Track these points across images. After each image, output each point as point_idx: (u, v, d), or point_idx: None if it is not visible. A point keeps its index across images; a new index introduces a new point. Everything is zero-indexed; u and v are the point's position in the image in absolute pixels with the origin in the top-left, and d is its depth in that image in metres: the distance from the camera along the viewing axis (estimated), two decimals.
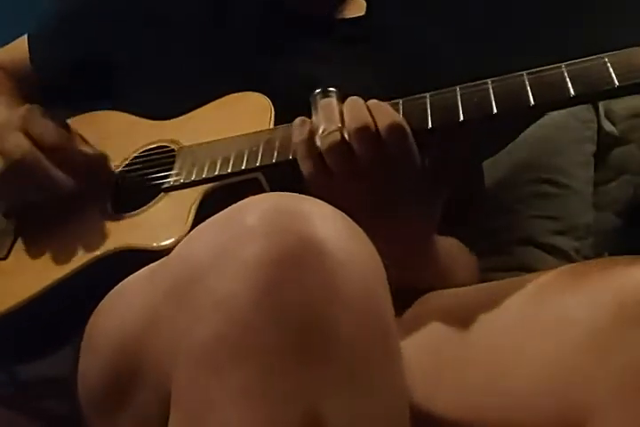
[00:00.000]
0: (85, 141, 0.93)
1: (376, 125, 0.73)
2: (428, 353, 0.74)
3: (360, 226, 0.71)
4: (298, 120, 0.78)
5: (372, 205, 0.76)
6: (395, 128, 0.73)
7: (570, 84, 0.72)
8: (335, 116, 0.74)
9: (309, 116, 0.84)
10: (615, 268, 0.67)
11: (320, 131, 0.74)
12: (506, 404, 0.68)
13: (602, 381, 0.62)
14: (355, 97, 0.77)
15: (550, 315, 0.68)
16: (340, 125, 0.74)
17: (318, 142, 0.74)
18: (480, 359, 0.71)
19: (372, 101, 0.76)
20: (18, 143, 0.87)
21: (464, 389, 0.71)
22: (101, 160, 0.93)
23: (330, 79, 0.99)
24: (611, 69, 0.71)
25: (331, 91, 0.78)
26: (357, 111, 0.75)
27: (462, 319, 0.76)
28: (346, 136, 0.74)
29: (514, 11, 1.50)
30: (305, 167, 0.75)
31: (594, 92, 0.73)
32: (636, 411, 0.61)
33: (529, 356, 0.67)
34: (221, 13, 1.03)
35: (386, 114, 0.75)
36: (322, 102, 0.77)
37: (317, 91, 0.78)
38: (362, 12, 1.08)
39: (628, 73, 0.71)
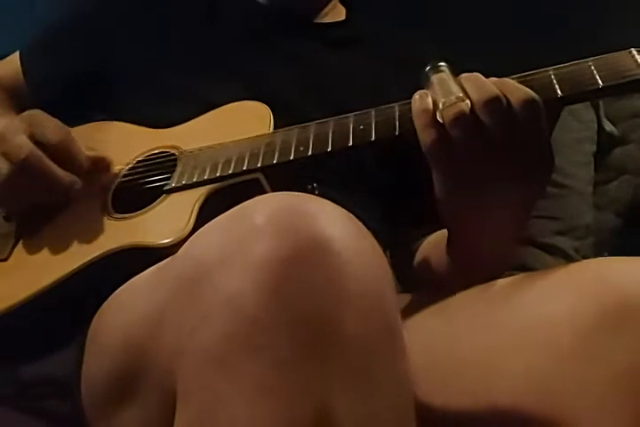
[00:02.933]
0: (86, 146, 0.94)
1: (506, 98, 0.71)
2: (420, 353, 0.74)
3: (475, 197, 0.74)
4: (417, 94, 0.75)
5: (491, 177, 0.73)
6: (528, 100, 0.71)
7: (557, 86, 0.75)
8: (455, 88, 0.72)
9: (304, 118, 0.85)
10: (597, 271, 0.68)
11: (441, 103, 0.71)
12: (491, 408, 0.68)
13: (584, 387, 0.63)
14: (472, 73, 0.75)
15: (534, 320, 0.68)
16: (461, 95, 0.71)
17: (439, 114, 0.71)
18: (470, 361, 0.72)
19: (493, 78, 0.74)
20: (21, 145, 0.88)
21: (457, 390, 0.72)
22: (104, 159, 0.94)
23: (322, 79, 1.01)
24: (595, 72, 0.74)
25: (441, 65, 0.76)
26: (483, 83, 0.72)
27: (451, 322, 0.77)
28: (471, 107, 0.71)
29: (491, 10, 1.50)
30: (425, 138, 0.73)
31: (580, 93, 0.75)
32: (623, 416, 0.61)
33: (513, 362, 0.68)
34: (213, 18, 1.04)
35: (515, 87, 0.72)
36: (437, 76, 0.74)
37: (428, 66, 0.76)
38: (342, 18, 1.11)
39: (611, 75, 0.74)
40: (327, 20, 1.10)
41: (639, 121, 1.52)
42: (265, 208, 0.60)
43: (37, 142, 0.88)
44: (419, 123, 0.73)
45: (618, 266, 0.68)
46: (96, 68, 1.05)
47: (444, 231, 0.88)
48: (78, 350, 0.80)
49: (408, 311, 0.83)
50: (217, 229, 0.63)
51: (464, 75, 0.74)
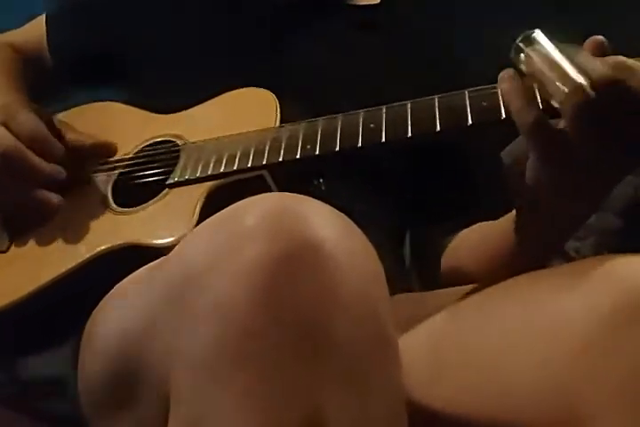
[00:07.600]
0: (77, 133, 0.94)
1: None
2: (427, 353, 0.74)
3: (569, 186, 0.69)
4: (506, 73, 0.67)
5: (598, 167, 0.68)
6: None
7: None
8: (570, 68, 0.62)
9: (322, 107, 0.84)
10: (611, 267, 0.67)
11: (559, 89, 0.61)
12: (503, 406, 0.68)
13: (599, 384, 0.63)
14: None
15: (547, 316, 0.68)
16: (580, 81, 0.61)
17: (559, 103, 0.62)
18: (477, 361, 0.71)
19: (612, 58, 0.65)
20: (0, 136, 0.88)
21: (462, 390, 0.71)
22: (106, 146, 0.94)
23: (344, 67, 0.97)
24: None
25: (536, 36, 0.63)
26: (598, 62, 0.63)
27: (459, 320, 0.76)
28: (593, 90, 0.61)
29: None
30: (523, 122, 0.66)
31: None
32: (634, 415, 0.61)
33: (525, 358, 0.68)
34: (236, 2, 1.01)
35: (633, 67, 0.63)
36: (536, 51, 0.64)
37: (519, 38, 0.64)
38: (376, 1, 1.06)
39: None
40: (360, 1, 1.05)
41: None
42: (256, 210, 0.60)
43: (14, 134, 0.88)
44: (514, 105, 0.66)
45: (632, 262, 0.67)
46: (117, 41, 1.04)
47: (482, 227, 0.87)
48: (76, 348, 0.80)
49: (416, 311, 0.82)
50: (207, 232, 0.62)
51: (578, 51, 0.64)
